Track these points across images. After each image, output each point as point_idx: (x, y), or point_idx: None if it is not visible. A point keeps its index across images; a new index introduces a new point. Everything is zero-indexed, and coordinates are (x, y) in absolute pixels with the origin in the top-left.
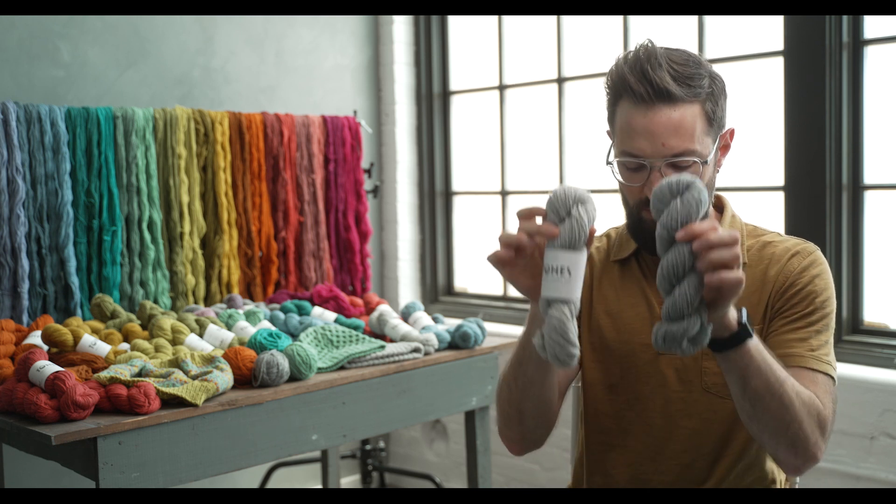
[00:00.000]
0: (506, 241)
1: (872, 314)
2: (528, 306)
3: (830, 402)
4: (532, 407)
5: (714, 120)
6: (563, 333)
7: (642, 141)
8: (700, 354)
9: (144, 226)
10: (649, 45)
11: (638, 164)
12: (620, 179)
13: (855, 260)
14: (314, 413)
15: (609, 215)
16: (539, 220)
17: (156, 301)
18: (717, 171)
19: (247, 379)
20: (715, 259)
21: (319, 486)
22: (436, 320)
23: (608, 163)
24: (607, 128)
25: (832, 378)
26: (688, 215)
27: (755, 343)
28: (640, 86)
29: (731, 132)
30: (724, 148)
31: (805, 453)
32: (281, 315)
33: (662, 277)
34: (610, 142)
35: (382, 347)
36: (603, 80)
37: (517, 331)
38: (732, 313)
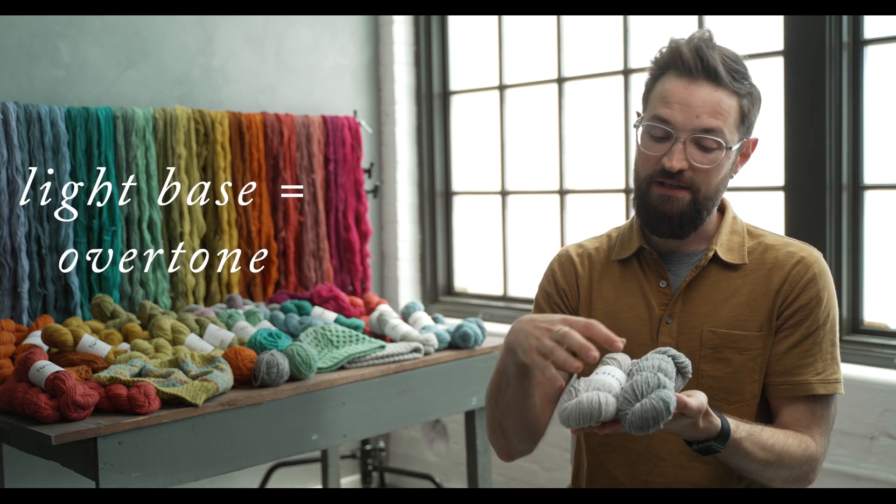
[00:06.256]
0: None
1: (872, 314)
2: (529, 307)
3: (826, 429)
4: (513, 424)
5: (745, 120)
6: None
7: (677, 109)
8: (699, 357)
9: (144, 226)
10: (707, 33)
11: (665, 132)
12: (642, 146)
13: (855, 260)
14: (314, 413)
15: (609, 215)
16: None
17: (156, 301)
18: (732, 177)
19: (247, 379)
20: None
21: (319, 486)
22: (436, 320)
23: (635, 126)
24: (638, 109)
25: (837, 394)
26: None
27: (736, 437)
28: (691, 59)
29: (755, 142)
30: (744, 157)
31: (796, 484)
32: (281, 315)
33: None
34: (636, 130)
35: (382, 347)
36: (597, 80)
37: None
38: (715, 420)
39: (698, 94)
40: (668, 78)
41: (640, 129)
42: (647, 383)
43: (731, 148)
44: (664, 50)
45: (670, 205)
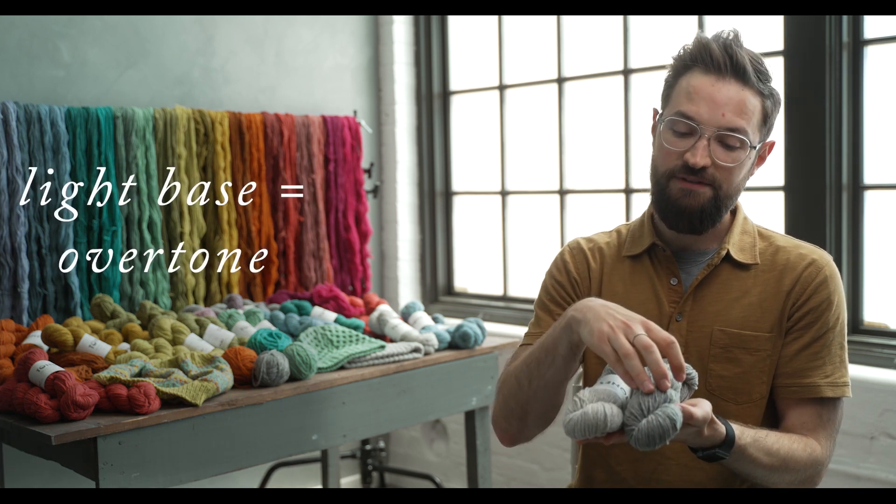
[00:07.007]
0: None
1: (872, 314)
2: (529, 307)
3: (832, 433)
4: (540, 406)
5: (767, 121)
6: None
7: (703, 105)
8: (708, 356)
9: (144, 226)
10: (734, 32)
11: (690, 127)
12: (664, 141)
13: (855, 260)
14: (314, 413)
15: (609, 215)
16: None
17: (156, 301)
18: (749, 178)
19: (247, 379)
20: None
21: (319, 486)
22: (436, 320)
23: (660, 118)
24: (655, 106)
25: (844, 396)
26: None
27: (741, 444)
28: (720, 56)
29: (772, 145)
30: (761, 159)
31: (802, 485)
32: (281, 315)
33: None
34: (652, 125)
35: (382, 347)
36: (597, 80)
37: (517, 331)
38: (720, 427)
39: (725, 91)
40: (694, 74)
41: (662, 125)
42: (654, 398)
43: (754, 147)
44: (689, 46)
45: (691, 199)
